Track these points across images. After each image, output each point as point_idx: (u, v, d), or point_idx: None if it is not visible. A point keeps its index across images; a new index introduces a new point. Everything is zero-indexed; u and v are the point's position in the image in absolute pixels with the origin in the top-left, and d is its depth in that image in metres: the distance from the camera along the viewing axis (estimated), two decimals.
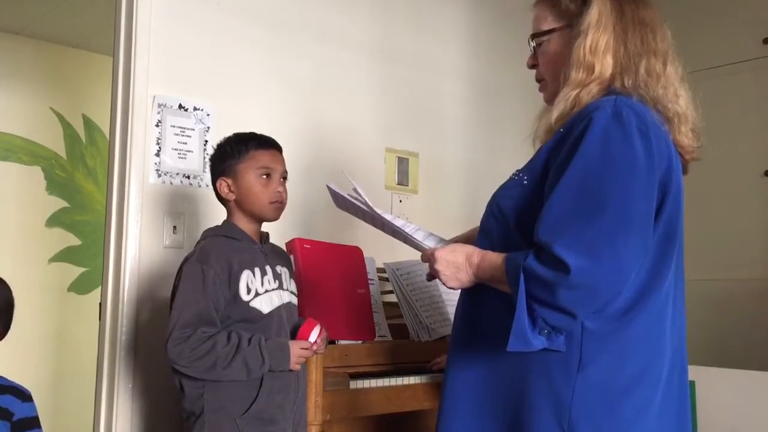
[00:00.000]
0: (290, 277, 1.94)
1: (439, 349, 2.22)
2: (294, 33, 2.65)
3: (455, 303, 1.56)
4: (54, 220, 4.54)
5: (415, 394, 2.13)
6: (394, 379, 2.09)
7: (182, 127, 2.32)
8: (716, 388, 2.61)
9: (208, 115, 2.38)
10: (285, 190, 1.88)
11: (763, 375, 2.56)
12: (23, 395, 1.72)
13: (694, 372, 2.51)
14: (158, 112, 2.27)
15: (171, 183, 2.29)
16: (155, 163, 2.26)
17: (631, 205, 1.27)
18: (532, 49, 1.54)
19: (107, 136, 2.41)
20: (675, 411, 1.41)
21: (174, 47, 2.33)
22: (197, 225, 2.28)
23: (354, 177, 1.68)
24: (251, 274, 1.79)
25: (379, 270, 2.45)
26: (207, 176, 2.04)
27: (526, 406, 1.34)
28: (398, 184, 2.93)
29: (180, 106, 2.32)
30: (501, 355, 1.34)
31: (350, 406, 2.00)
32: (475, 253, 1.41)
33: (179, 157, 2.31)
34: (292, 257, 2.10)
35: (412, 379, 2.13)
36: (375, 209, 1.56)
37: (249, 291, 1.78)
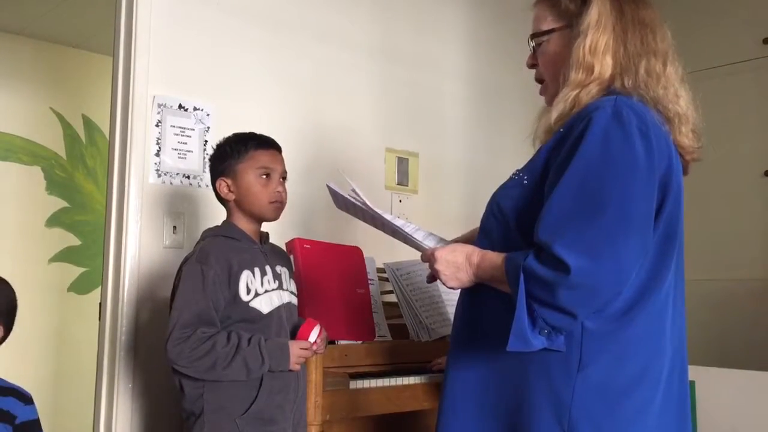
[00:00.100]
0: (290, 277, 1.94)
1: (439, 350, 2.21)
2: (294, 33, 2.65)
3: (455, 303, 1.56)
4: (54, 220, 4.55)
5: (415, 394, 2.13)
6: (394, 379, 2.09)
7: (182, 127, 2.32)
8: (716, 388, 2.61)
9: (208, 115, 2.38)
10: (285, 190, 1.88)
11: (763, 375, 2.56)
12: (25, 398, 1.71)
13: (694, 372, 2.51)
14: (158, 112, 2.27)
15: (171, 183, 2.29)
16: (155, 163, 2.26)
17: (632, 205, 1.27)
18: (532, 48, 1.54)
19: (107, 136, 2.41)
20: (675, 411, 1.41)
21: (174, 47, 2.33)
22: (197, 225, 2.28)
23: (354, 177, 1.68)
24: (251, 274, 1.79)
25: (379, 270, 2.45)
26: (207, 176, 2.04)
27: (526, 406, 1.34)
28: (398, 184, 2.93)
29: (180, 106, 2.32)
30: (501, 355, 1.34)
31: (350, 406, 2.00)
32: (474, 252, 1.41)
33: (179, 157, 2.31)
34: (291, 257, 2.10)
35: (411, 380, 2.13)
36: (374, 209, 1.56)
37: (249, 291, 1.78)
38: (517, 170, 1.47)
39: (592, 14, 1.40)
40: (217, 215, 2.03)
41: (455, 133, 3.16)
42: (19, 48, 4.45)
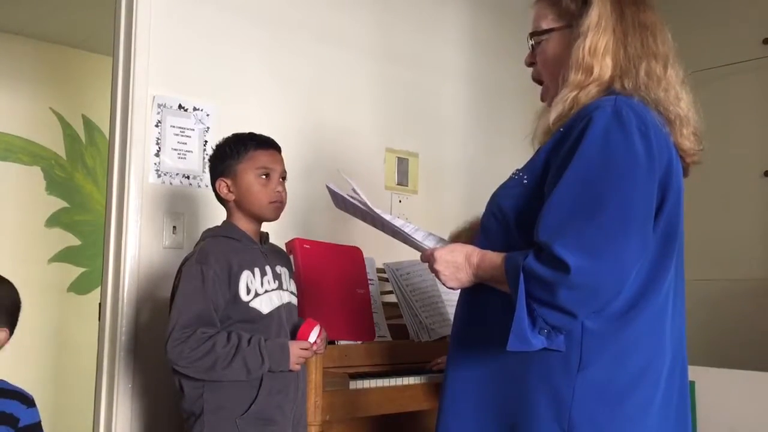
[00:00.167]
0: (290, 277, 1.94)
1: (439, 350, 2.21)
2: (294, 33, 2.65)
3: (455, 303, 1.56)
4: (54, 220, 4.55)
5: (415, 394, 2.13)
6: (394, 379, 2.09)
7: (182, 128, 2.32)
8: (716, 388, 2.61)
9: (207, 115, 2.38)
10: (284, 190, 1.88)
11: (763, 375, 2.56)
12: (27, 401, 1.70)
13: (694, 372, 2.51)
14: (158, 113, 2.27)
15: (171, 183, 2.29)
16: (155, 164, 2.26)
17: (631, 204, 1.27)
18: (531, 47, 1.53)
19: (107, 136, 2.41)
20: (675, 411, 1.41)
21: (174, 47, 2.33)
22: (197, 225, 2.28)
23: (354, 177, 1.68)
24: (251, 274, 1.79)
25: (379, 270, 2.45)
26: (207, 176, 2.04)
27: (526, 406, 1.34)
28: (398, 184, 2.93)
29: (180, 107, 2.32)
30: (501, 355, 1.33)
31: (350, 406, 2.00)
32: (474, 252, 1.41)
33: (179, 158, 2.31)
34: (291, 257, 2.10)
35: (411, 380, 2.13)
36: (374, 209, 1.56)
37: (249, 291, 1.78)
38: (517, 170, 1.47)
39: (593, 15, 1.39)
40: (217, 215, 2.03)
41: (455, 133, 3.16)
42: (19, 48, 4.46)
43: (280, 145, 1.92)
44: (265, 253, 1.88)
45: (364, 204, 1.57)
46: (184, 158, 2.32)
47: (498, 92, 3.29)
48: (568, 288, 1.23)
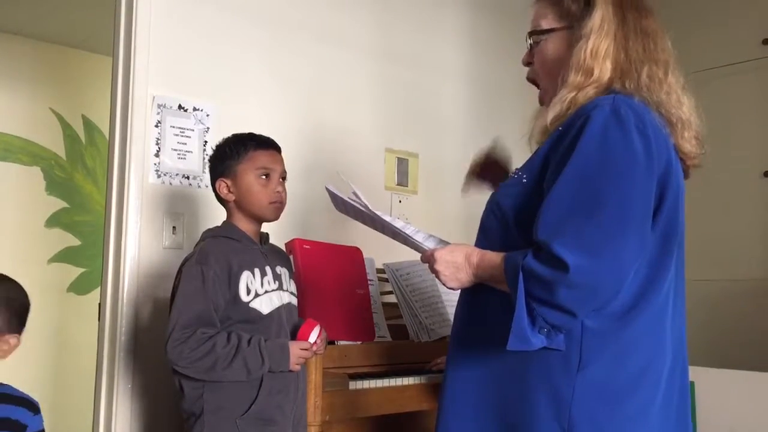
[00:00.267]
0: (290, 277, 1.94)
1: (439, 350, 2.21)
2: (294, 33, 2.64)
3: (455, 303, 1.56)
4: (53, 221, 4.55)
5: (415, 394, 2.13)
6: (394, 379, 2.09)
7: (182, 128, 2.32)
8: (715, 388, 2.61)
9: (207, 115, 2.38)
10: (284, 190, 1.88)
11: (762, 376, 2.56)
12: (34, 407, 1.67)
13: (693, 373, 2.50)
14: (158, 113, 2.27)
15: (170, 183, 2.29)
16: (155, 164, 2.26)
17: (630, 202, 1.27)
18: (529, 46, 1.53)
19: (107, 136, 2.41)
20: (676, 411, 1.41)
21: (173, 48, 2.33)
22: (197, 225, 2.28)
23: (353, 178, 1.68)
24: (251, 274, 1.79)
25: (379, 270, 2.45)
26: (206, 177, 2.04)
27: (526, 406, 1.34)
28: (398, 184, 2.93)
29: (179, 107, 2.32)
30: (501, 355, 1.33)
31: (349, 406, 2.00)
32: (474, 252, 1.41)
33: (179, 158, 2.31)
34: (291, 258, 2.10)
35: (411, 380, 2.13)
36: (374, 211, 1.56)
37: (249, 292, 1.78)
38: (517, 169, 1.47)
39: (596, 19, 1.39)
40: (217, 216, 2.03)
41: (455, 133, 3.16)
42: (19, 48, 4.46)
43: (279, 145, 1.92)
44: (265, 254, 1.88)
45: (364, 206, 1.57)
46: (184, 158, 2.32)
47: (498, 92, 3.29)
48: (568, 287, 1.23)
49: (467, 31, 3.24)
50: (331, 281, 2.20)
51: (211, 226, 1.92)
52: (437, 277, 1.44)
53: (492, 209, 1.47)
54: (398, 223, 1.55)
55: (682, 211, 1.41)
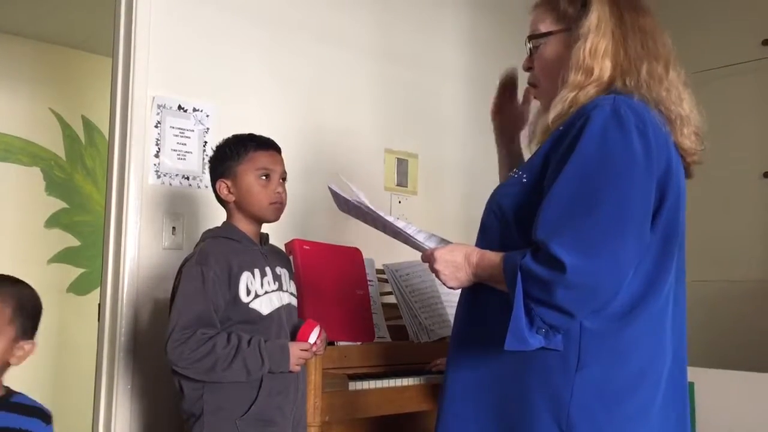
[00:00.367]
0: (290, 278, 1.94)
1: (438, 351, 2.21)
2: (293, 34, 2.65)
3: (454, 304, 1.56)
4: (53, 221, 4.54)
5: (414, 395, 2.13)
6: (393, 380, 2.09)
7: (181, 128, 2.32)
8: (715, 389, 2.61)
9: (207, 116, 2.38)
10: (284, 191, 1.88)
11: (762, 376, 2.56)
12: (47, 417, 1.64)
13: (693, 373, 2.50)
14: (157, 113, 2.27)
15: (170, 184, 2.29)
16: (154, 164, 2.26)
17: (629, 203, 1.27)
18: (529, 51, 1.54)
19: (106, 137, 2.41)
20: (675, 413, 1.41)
21: (173, 48, 2.33)
22: (196, 226, 2.28)
23: (353, 178, 1.68)
24: (251, 275, 1.79)
25: (379, 271, 2.45)
26: (206, 177, 2.04)
27: (526, 406, 1.34)
28: (397, 185, 2.93)
29: (179, 107, 2.32)
30: (501, 355, 1.34)
31: (349, 407, 2.00)
32: (474, 252, 1.42)
33: (178, 158, 2.31)
34: (291, 258, 2.10)
35: (411, 381, 2.13)
36: (376, 211, 1.56)
37: (249, 292, 1.78)
38: (517, 168, 1.47)
39: (593, 18, 1.40)
40: (217, 216, 2.03)
41: (455, 134, 3.16)
42: (19, 49, 4.46)
43: (279, 145, 1.92)
44: (265, 254, 1.88)
45: (366, 206, 1.57)
46: (184, 159, 2.32)
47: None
48: (565, 287, 1.24)
49: (467, 31, 3.25)
50: (331, 282, 2.20)
51: (211, 227, 1.92)
52: (437, 276, 1.45)
53: (492, 209, 1.47)
54: (400, 223, 1.55)
55: (683, 212, 1.41)
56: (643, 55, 1.40)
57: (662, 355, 1.37)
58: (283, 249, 2.10)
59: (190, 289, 1.73)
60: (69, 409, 4.11)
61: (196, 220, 2.32)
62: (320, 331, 1.83)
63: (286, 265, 1.97)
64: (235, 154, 1.84)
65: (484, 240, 1.47)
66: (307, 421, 1.89)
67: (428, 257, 1.46)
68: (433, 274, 1.47)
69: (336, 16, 2.78)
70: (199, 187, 2.34)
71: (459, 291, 1.53)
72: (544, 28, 1.50)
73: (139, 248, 2.22)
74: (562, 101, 1.40)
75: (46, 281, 4.38)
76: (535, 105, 1.64)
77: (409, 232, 1.53)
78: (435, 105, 3.10)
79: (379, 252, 2.42)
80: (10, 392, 1.57)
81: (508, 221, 1.42)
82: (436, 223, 2.83)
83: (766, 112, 3.33)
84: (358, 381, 2.01)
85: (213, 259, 1.75)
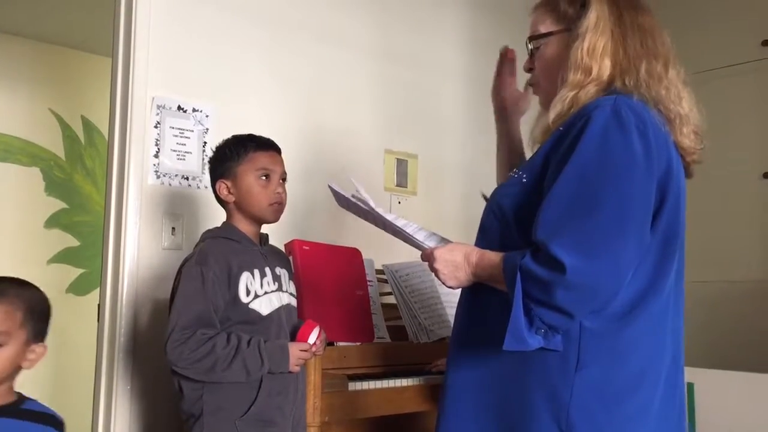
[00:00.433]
0: (289, 278, 1.94)
1: (438, 351, 2.21)
2: (293, 34, 2.65)
3: (454, 304, 1.56)
4: (53, 221, 4.54)
5: (414, 395, 2.13)
6: (393, 380, 2.09)
7: (181, 129, 2.32)
8: (714, 390, 2.61)
9: (207, 116, 2.38)
10: (284, 191, 1.88)
11: (761, 377, 2.56)
12: (59, 424, 1.58)
13: (693, 374, 2.51)
14: (157, 114, 2.27)
15: (170, 184, 2.29)
16: (154, 165, 2.26)
17: (629, 204, 1.27)
18: (530, 52, 1.54)
19: (106, 137, 2.41)
20: (675, 414, 1.41)
21: (173, 48, 2.33)
22: (196, 226, 2.28)
23: (353, 178, 1.68)
24: (250, 275, 1.79)
25: (378, 271, 2.45)
26: (206, 177, 2.04)
27: (525, 406, 1.34)
28: (397, 185, 2.93)
29: (179, 108, 2.32)
30: (501, 356, 1.34)
31: (349, 407, 2.00)
32: (473, 252, 1.42)
33: (178, 159, 2.31)
34: (291, 259, 2.10)
35: (410, 381, 2.13)
36: (377, 209, 1.56)
37: (248, 293, 1.78)
38: (517, 168, 1.47)
39: (591, 17, 1.40)
40: (216, 216, 2.03)
41: (454, 134, 3.16)
42: (18, 49, 4.46)
43: (279, 146, 1.92)
44: (264, 255, 1.88)
45: (366, 203, 1.57)
46: (184, 159, 2.32)
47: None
48: (565, 288, 1.24)
49: (467, 31, 3.24)
50: (331, 282, 2.20)
51: (210, 227, 1.92)
52: (436, 275, 1.45)
53: (492, 209, 1.47)
54: (400, 222, 1.55)
55: (683, 213, 1.41)
56: (643, 54, 1.40)
57: (662, 356, 1.37)
58: (283, 249, 2.10)
59: (190, 289, 1.73)
60: (68, 410, 4.09)
61: (195, 220, 2.32)
62: (320, 332, 1.83)
63: (286, 265, 1.97)
64: (235, 155, 1.84)
65: (483, 240, 1.47)
66: (306, 421, 1.89)
67: (428, 256, 1.46)
68: (433, 274, 1.47)
69: (336, 16, 2.78)
70: (198, 187, 2.34)
71: (459, 291, 1.53)
72: (544, 28, 1.50)
73: (139, 248, 2.21)
74: (562, 101, 1.40)
75: (46, 282, 4.32)
76: (534, 98, 1.64)
77: (408, 230, 1.53)
78: (435, 105, 3.10)
79: (379, 252, 2.42)
80: (21, 398, 1.54)
81: (508, 221, 1.42)
82: (435, 224, 2.81)
83: (765, 113, 3.33)
84: (357, 381, 2.01)
85: (213, 260, 1.75)
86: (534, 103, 1.61)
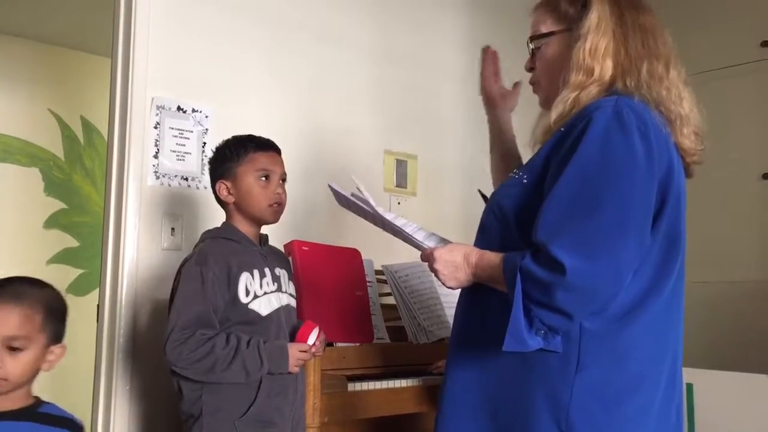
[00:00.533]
0: (289, 279, 1.94)
1: (437, 352, 2.21)
2: (293, 34, 2.65)
3: (453, 305, 1.56)
4: (52, 222, 4.54)
5: (413, 396, 2.13)
6: (392, 381, 2.09)
7: (180, 129, 2.32)
8: (714, 390, 2.61)
9: (206, 116, 2.38)
10: (284, 192, 1.88)
11: (761, 378, 2.56)
12: (78, 428, 1.54)
13: (692, 375, 2.52)
14: (156, 114, 2.27)
15: (169, 185, 2.29)
16: (153, 165, 2.26)
17: (630, 205, 1.27)
18: (531, 51, 1.54)
19: (105, 137, 2.41)
20: (674, 416, 1.41)
21: (173, 49, 2.33)
22: (195, 227, 2.28)
23: (352, 179, 1.68)
24: (250, 276, 1.79)
25: (378, 272, 2.45)
26: (205, 178, 2.04)
27: (525, 407, 1.34)
28: (397, 186, 2.93)
29: (178, 108, 2.32)
30: (500, 356, 1.33)
31: (348, 408, 2.00)
32: (473, 252, 1.42)
33: (177, 159, 2.31)
34: (290, 259, 2.10)
35: (410, 382, 2.13)
36: (377, 209, 1.56)
37: (248, 293, 1.78)
38: (517, 169, 1.47)
39: (592, 18, 1.40)
40: (216, 217, 2.03)
41: (454, 135, 3.16)
42: (18, 49, 4.46)
43: (279, 146, 1.92)
44: (264, 255, 1.88)
45: (366, 203, 1.57)
46: (183, 160, 2.32)
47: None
48: (565, 290, 1.24)
49: (466, 32, 3.24)
50: (330, 283, 2.20)
51: (209, 228, 1.92)
52: (436, 275, 1.45)
53: (492, 209, 1.47)
54: (399, 221, 1.55)
55: (684, 214, 1.41)
56: (644, 54, 1.39)
57: (663, 357, 1.37)
58: (282, 250, 2.10)
59: (190, 289, 1.73)
60: (67, 410, 4.12)
61: (195, 221, 2.32)
62: (319, 332, 1.83)
63: (285, 266, 1.97)
64: (234, 156, 1.84)
65: (483, 240, 1.47)
66: (306, 422, 1.89)
67: (427, 256, 1.46)
68: (432, 274, 1.47)
69: (335, 16, 2.78)
70: (198, 188, 2.34)
71: (458, 292, 1.53)
72: (545, 28, 1.50)
73: (138, 249, 2.21)
74: (564, 102, 1.40)
75: None
76: (530, 98, 1.64)
77: (408, 230, 1.53)
78: (434, 106, 3.10)
79: (378, 253, 2.42)
80: (39, 402, 1.50)
81: (509, 222, 1.42)
82: (435, 225, 2.80)
83: (765, 114, 3.33)
84: (356, 382, 2.01)
85: (212, 260, 1.75)
86: (532, 101, 1.61)
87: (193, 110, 2.35)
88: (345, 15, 2.81)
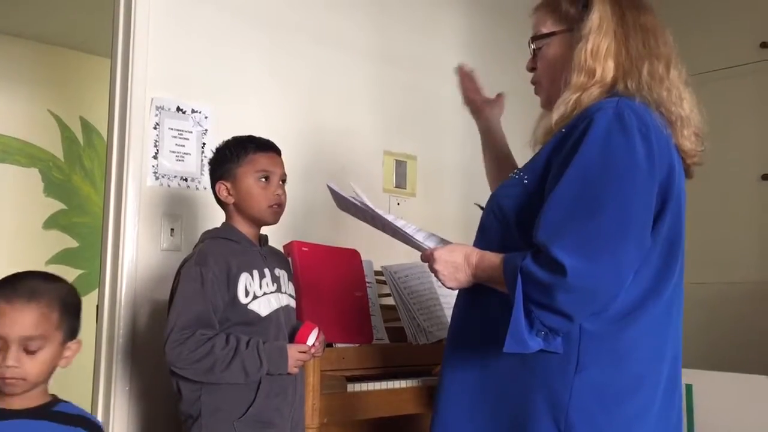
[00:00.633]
0: (288, 279, 1.94)
1: (437, 353, 2.20)
2: (292, 35, 2.65)
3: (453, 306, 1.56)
4: (51, 222, 4.54)
5: (412, 397, 2.13)
6: (392, 382, 2.09)
7: (180, 130, 2.32)
8: (713, 391, 2.61)
9: (206, 117, 2.38)
10: (284, 193, 1.88)
11: (760, 378, 2.56)
12: (94, 427, 1.50)
13: (691, 375, 2.51)
14: (156, 115, 2.27)
15: (168, 185, 2.29)
16: (153, 166, 2.26)
17: (630, 207, 1.27)
18: (532, 52, 1.54)
19: (105, 138, 2.41)
20: (674, 415, 1.41)
21: (172, 49, 2.33)
22: (195, 227, 2.28)
23: (352, 180, 1.68)
24: (249, 276, 1.79)
25: (377, 273, 2.45)
26: (205, 179, 2.04)
27: (524, 407, 1.34)
28: (396, 187, 2.93)
29: (178, 109, 2.32)
30: (499, 356, 1.33)
31: (347, 409, 2.00)
32: (473, 253, 1.41)
33: (177, 160, 2.31)
34: (290, 260, 2.10)
35: (409, 383, 2.13)
36: (376, 210, 1.56)
37: (247, 294, 1.78)
38: (517, 170, 1.47)
39: (594, 19, 1.40)
40: (215, 217, 2.03)
41: (453, 135, 3.16)
42: (17, 50, 4.46)
43: (279, 147, 1.92)
44: (263, 256, 1.88)
45: (365, 204, 1.57)
46: (182, 160, 2.32)
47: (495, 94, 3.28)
48: (566, 291, 1.24)
49: (465, 32, 3.25)
50: (330, 283, 2.19)
51: (209, 228, 1.92)
52: (436, 276, 1.44)
53: (492, 209, 1.47)
54: (399, 222, 1.55)
55: (684, 215, 1.41)
56: (645, 55, 1.39)
57: (662, 358, 1.37)
58: (282, 250, 2.10)
59: (189, 289, 1.73)
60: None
61: (194, 221, 2.32)
62: (318, 333, 1.83)
63: (285, 266, 1.97)
64: (234, 156, 1.84)
65: (483, 240, 1.47)
66: (305, 422, 1.89)
67: (427, 257, 1.45)
68: (432, 275, 1.47)
69: (334, 17, 2.78)
70: (197, 188, 2.34)
71: (457, 293, 1.53)
72: (546, 29, 1.50)
73: (138, 250, 2.21)
74: (565, 103, 1.39)
75: None
76: (530, 99, 1.64)
77: (407, 231, 1.53)
78: (433, 107, 3.10)
79: (378, 254, 2.42)
80: (55, 400, 1.50)
81: (509, 222, 1.42)
82: (434, 225, 2.80)
83: (764, 115, 3.34)
84: (356, 383, 2.01)
85: (212, 260, 1.75)
86: (532, 101, 1.61)
87: (193, 111, 2.35)
88: (343, 16, 2.81)
